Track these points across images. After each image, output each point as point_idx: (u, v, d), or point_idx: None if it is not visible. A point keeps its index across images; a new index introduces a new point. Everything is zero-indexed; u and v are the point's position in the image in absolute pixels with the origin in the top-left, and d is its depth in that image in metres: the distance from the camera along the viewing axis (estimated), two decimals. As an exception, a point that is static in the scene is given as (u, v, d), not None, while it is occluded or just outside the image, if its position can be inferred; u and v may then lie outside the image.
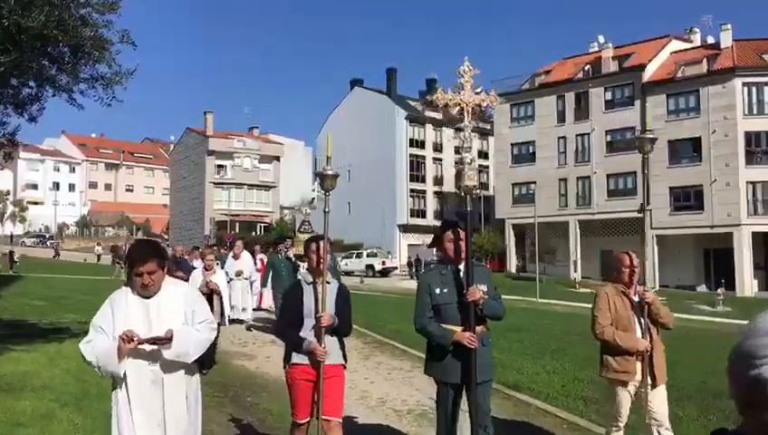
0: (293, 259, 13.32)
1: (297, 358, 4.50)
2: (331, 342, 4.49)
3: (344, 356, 4.67)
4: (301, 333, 4.50)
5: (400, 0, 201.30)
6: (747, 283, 38.89)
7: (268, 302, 14.74)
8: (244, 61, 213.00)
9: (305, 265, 13.86)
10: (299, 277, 4.81)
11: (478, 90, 4.80)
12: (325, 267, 4.51)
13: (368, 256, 48.32)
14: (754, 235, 39.25)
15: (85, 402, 6.97)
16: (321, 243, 4.63)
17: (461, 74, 4.74)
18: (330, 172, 4.64)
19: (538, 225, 39.04)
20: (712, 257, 41.44)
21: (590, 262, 45.42)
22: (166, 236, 77.21)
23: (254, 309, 14.97)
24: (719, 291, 32.67)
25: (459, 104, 4.70)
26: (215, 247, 21.32)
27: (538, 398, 7.66)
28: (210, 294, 8.96)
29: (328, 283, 4.52)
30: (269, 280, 13.32)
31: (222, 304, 9.32)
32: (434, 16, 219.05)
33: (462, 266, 4.46)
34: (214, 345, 9.07)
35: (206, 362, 8.41)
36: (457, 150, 62.04)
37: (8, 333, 12.01)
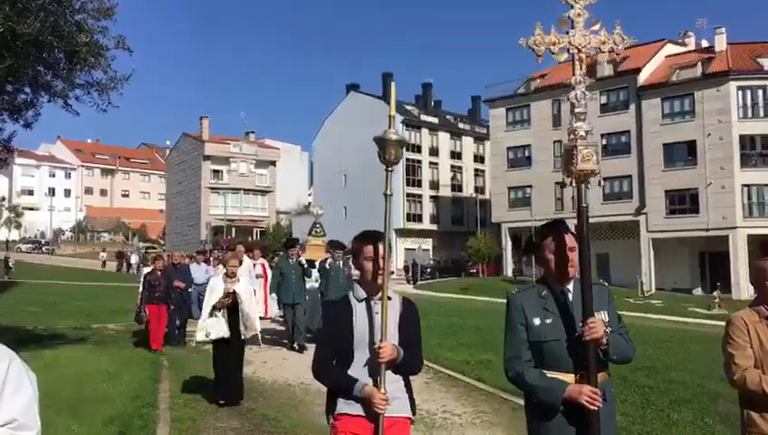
0: (305, 265, 12.26)
1: (346, 406, 3.13)
2: (393, 384, 3.15)
3: (412, 405, 3.28)
4: (350, 372, 3.14)
5: (396, 5, 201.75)
6: (743, 285, 38.92)
7: (273, 310, 14.16)
8: (240, 66, 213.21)
9: (317, 271, 12.49)
10: (348, 294, 3.34)
11: (595, 27, 3.25)
12: (387, 279, 3.16)
13: (364, 260, 48.38)
14: (750, 237, 39.34)
15: (81, 409, 6.95)
16: (380, 245, 3.23)
17: (570, 4, 3.20)
18: (394, 137, 3.22)
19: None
20: (708, 260, 41.54)
21: (586, 265, 45.46)
22: (162, 242, 77.13)
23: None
24: (715, 293, 32.72)
25: (568, 49, 3.22)
26: (209, 251, 20.77)
27: (535, 402, 7.66)
28: (233, 305, 7.55)
29: (388, 298, 3.17)
30: (275, 287, 12.34)
31: (249, 318, 7.72)
32: (429, 21, 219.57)
33: (571, 287, 3.13)
34: (240, 378, 7.70)
35: (231, 398, 7.33)
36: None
37: (4, 339, 11.96)
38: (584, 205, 3.19)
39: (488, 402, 7.77)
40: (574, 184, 3.20)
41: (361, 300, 3.25)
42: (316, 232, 13.78)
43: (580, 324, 2.94)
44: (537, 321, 3.06)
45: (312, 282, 12.81)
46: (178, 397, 7.81)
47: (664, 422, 6.72)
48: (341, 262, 11.93)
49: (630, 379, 8.96)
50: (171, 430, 6.46)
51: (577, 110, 3.22)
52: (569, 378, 2.97)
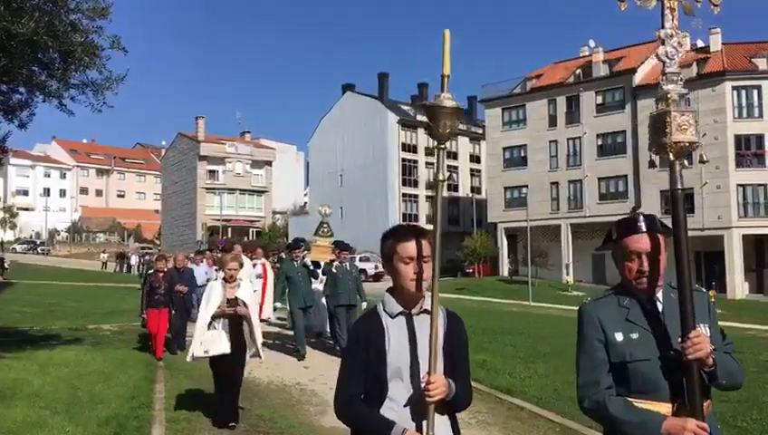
0: (310, 266, 11.70)
1: None
2: (440, 426, 2.43)
3: None
4: (384, 411, 2.42)
5: (392, 6, 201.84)
6: (738, 285, 39.10)
7: (267, 313, 13.70)
8: (236, 66, 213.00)
9: (321, 273, 11.84)
10: (377, 308, 2.57)
11: None
12: (436, 287, 2.44)
13: (360, 260, 48.40)
14: (745, 237, 39.47)
15: (76, 409, 6.93)
16: (424, 241, 2.52)
17: None
18: (448, 103, 2.49)
19: (530, 228, 39.13)
20: (703, 260, 41.64)
21: (582, 265, 45.57)
22: (158, 242, 77.00)
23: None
24: (711, 293, 32.81)
25: None
26: (210, 252, 20.28)
27: (530, 402, 7.67)
28: (236, 316, 6.57)
29: (427, 312, 2.47)
30: (280, 291, 11.78)
31: (252, 329, 6.69)
32: (425, 21, 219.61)
33: (660, 294, 2.54)
34: (236, 398, 6.73)
35: (228, 414, 6.46)
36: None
37: (-2, 340, 11.94)
38: (679, 188, 2.49)
39: (484, 402, 7.77)
40: (669, 159, 2.54)
41: (396, 315, 2.48)
42: (323, 232, 12.98)
43: (679, 340, 2.33)
44: (619, 336, 2.45)
45: (317, 284, 12.30)
46: (174, 397, 7.80)
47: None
48: (348, 264, 11.65)
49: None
50: (166, 430, 6.46)
51: (668, 69, 2.58)
52: (663, 408, 2.36)
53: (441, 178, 2.57)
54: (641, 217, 2.58)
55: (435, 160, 2.57)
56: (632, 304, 2.50)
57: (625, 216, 2.75)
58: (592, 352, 2.48)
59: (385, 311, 2.51)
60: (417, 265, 2.45)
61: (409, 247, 2.47)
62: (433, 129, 2.54)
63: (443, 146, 2.58)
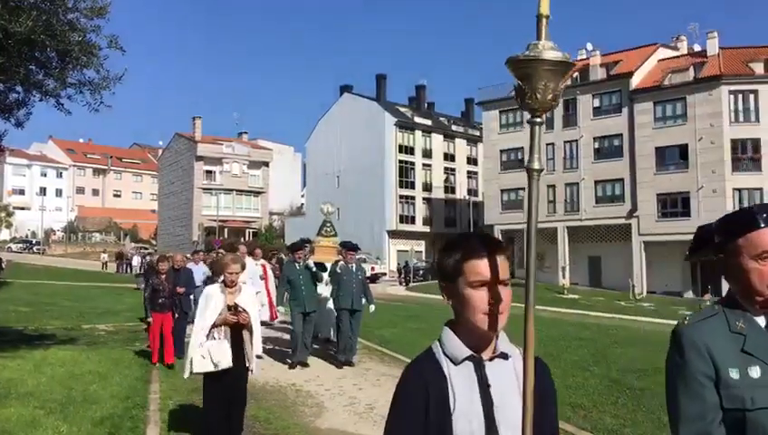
0: (313, 268, 10.82)
1: None
2: None
3: None
4: None
5: (390, 8, 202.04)
6: (734, 289, 39.15)
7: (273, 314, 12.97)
8: (234, 66, 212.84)
9: (327, 277, 10.84)
10: (433, 350, 1.80)
11: None
12: (530, 317, 1.81)
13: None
14: (741, 241, 39.54)
15: (70, 409, 6.92)
16: (502, 259, 1.79)
17: None
18: (550, 55, 1.66)
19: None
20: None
21: (578, 268, 45.64)
22: (154, 242, 76.90)
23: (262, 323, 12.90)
24: (706, 297, 32.88)
25: None
26: (203, 253, 19.73)
27: (526, 404, 7.66)
28: (238, 325, 5.72)
29: (504, 356, 1.79)
30: (282, 297, 10.98)
31: (252, 340, 5.87)
32: (423, 23, 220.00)
33: None
34: (242, 414, 6.16)
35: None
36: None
37: (-7, 339, 11.91)
38: None
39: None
40: None
41: (461, 361, 1.74)
42: (326, 232, 12.17)
43: None
44: (735, 374, 1.79)
45: (323, 286, 11.41)
46: (169, 398, 7.79)
47: (655, 425, 6.74)
48: (354, 265, 10.97)
49: (622, 381, 9.00)
50: (161, 431, 6.45)
51: None
52: None
53: (537, 166, 1.75)
54: (757, 209, 1.92)
55: (529, 142, 1.79)
56: (748, 328, 1.84)
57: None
58: (701, 392, 1.81)
59: (445, 354, 1.76)
60: (495, 290, 1.75)
61: (481, 266, 1.73)
62: (526, 93, 1.70)
63: (539, 119, 1.75)
